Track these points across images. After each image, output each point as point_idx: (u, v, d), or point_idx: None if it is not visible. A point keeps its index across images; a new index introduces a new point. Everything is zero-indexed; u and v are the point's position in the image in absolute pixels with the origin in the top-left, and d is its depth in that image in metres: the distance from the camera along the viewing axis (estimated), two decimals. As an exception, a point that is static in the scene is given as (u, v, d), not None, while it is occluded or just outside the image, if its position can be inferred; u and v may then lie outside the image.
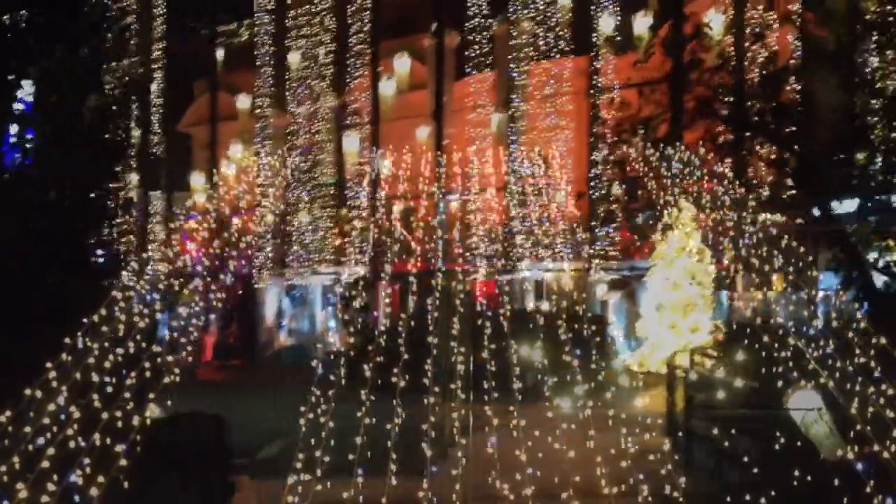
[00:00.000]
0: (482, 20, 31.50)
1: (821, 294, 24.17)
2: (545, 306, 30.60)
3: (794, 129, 23.26)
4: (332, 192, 35.26)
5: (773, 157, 24.37)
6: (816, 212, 22.46)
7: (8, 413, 7.55)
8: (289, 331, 37.99)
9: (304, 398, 22.16)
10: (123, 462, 6.99)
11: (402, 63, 33.75)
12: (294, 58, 35.92)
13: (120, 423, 7.74)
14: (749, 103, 24.09)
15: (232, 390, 26.78)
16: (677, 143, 22.76)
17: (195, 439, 9.35)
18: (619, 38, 28.66)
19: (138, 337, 9.38)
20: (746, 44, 25.29)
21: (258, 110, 37.63)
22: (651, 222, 26.22)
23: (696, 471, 11.62)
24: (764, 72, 24.24)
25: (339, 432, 15.45)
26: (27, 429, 7.60)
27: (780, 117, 22.94)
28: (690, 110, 23.87)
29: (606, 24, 28.98)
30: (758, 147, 24.46)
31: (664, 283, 23.86)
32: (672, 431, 13.10)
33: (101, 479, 7.55)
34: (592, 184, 28.89)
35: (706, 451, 11.35)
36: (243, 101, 38.46)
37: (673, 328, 23.51)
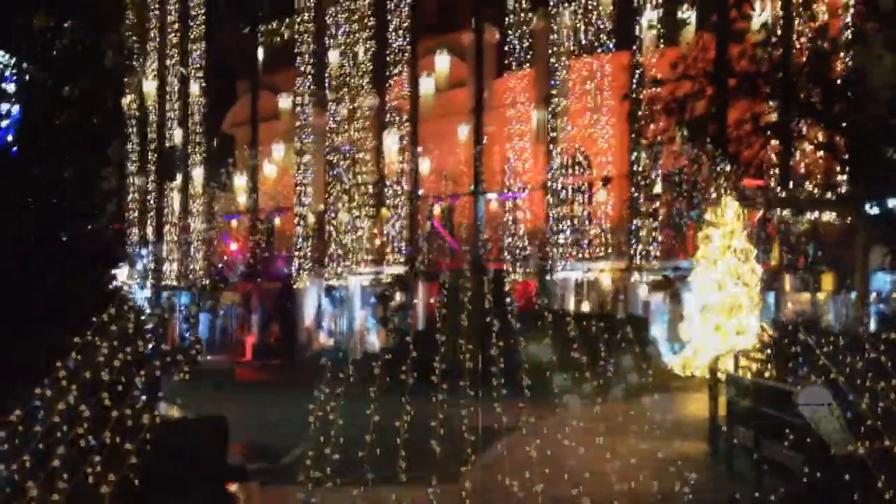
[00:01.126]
0: (522, 15, 31.00)
1: (872, 295, 23.31)
2: (585, 307, 30.05)
3: (844, 107, 21.03)
4: (370, 191, 34.98)
5: (821, 139, 22.73)
6: (869, 207, 21.39)
7: (17, 412, 7.31)
8: (329, 331, 37.85)
9: (336, 399, 21.98)
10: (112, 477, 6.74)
11: (443, 60, 33.39)
12: (333, 56, 35.72)
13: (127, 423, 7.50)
14: (795, 79, 21.90)
15: (267, 390, 26.66)
16: (719, 134, 21.43)
17: (185, 447, 8.99)
18: (661, 31, 27.87)
19: (145, 336, 9.07)
20: (793, 15, 23.57)
21: (297, 109, 37.50)
22: (695, 220, 25.49)
23: (738, 480, 11.04)
24: (813, 45, 22.13)
25: (364, 434, 15.12)
26: (37, 428, 7.35)
27: (830, 95, 21.10)
28: (733, 88, 22.10)
29: (648, 17, 28.28)
30: (805, 129, 22.81)
31: (708, 283, 23.14)
32: (714, 438, 12.51)
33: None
34: (633, 181, 28.18)
35: (749, 459, 10.75)
36: (285, 101, 38.38)
37: (718, 330, 22.79)
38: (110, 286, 8.72)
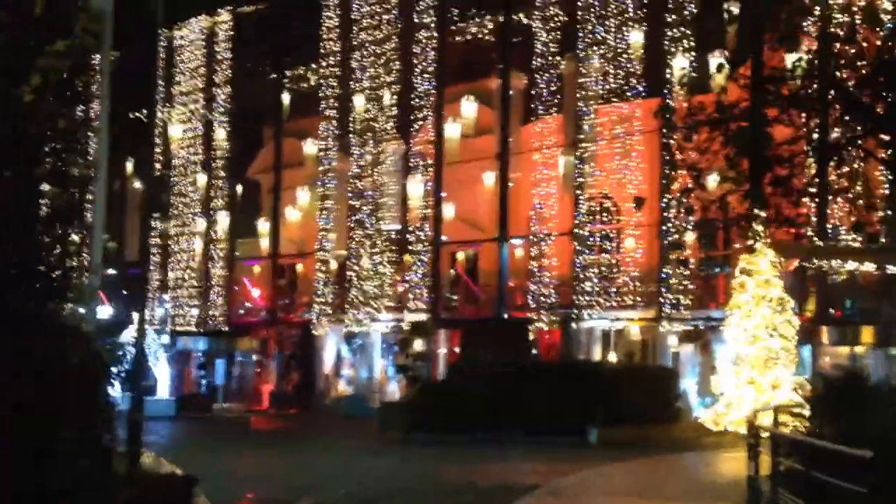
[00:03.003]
0: (549, 59, 30.46)
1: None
2: (612, 357, 28.99)
3: None
4: (393, 236, 34.31)
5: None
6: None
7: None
8: (348, 379, 36.97)
9: (347, 451, 21.11)
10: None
11: (469, 107, 32.82)
12: (358, 100, 35.36)
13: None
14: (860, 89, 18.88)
15: (281, 440, 25.78)
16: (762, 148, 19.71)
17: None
18: (693, 76, 27.11)
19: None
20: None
21: (321, 153, 37.08)
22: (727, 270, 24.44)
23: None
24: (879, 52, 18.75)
25: (374, 494, 14.23)
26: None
27: None
28: (785, 98, 19.88)
29: (679, 63, 27.57)
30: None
31: (742, 334, 22.08)
32: (755, 501, 11.47)
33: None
34: (664, 228, 27.27)
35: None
36: (310, 147, 37.98)
37: (752, 384, 21.67)
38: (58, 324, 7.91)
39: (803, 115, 20.10)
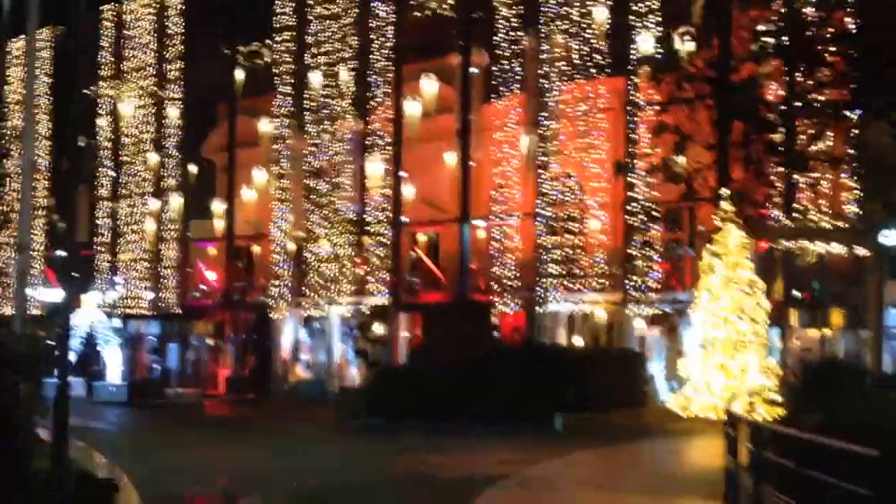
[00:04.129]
0: (511, 35, 29.57)
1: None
2: (578, 341, 28.38)
3: None
4: (352, 217, 33.30)
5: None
6: (884, 238, 19.72)
7: None
8: (306, 363, 36.04)
9: (301, 439, 20.22)
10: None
11: (429, 85, 31.84)
12: (314, 77, 34.21)
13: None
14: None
15: (236, 427, 24.79)
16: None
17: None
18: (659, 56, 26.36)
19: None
20: None
21: (276, 132, 35.91)
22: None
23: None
24: None
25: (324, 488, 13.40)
26: None
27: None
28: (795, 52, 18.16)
29: (644, 39, 26.80)
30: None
31: (710, 317, 21.52)
32: (733, 497, 10.80)
33: None
34: (629, 208, 26.60)
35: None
36: (266, 126, 36.76)
37: (721, 368, 21.13)
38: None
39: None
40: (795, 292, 24.54)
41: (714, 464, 12.81)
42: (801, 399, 11.03)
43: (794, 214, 22.93)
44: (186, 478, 14.27)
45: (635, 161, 26.26)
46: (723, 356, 21.13)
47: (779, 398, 17.78)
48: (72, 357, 34.39)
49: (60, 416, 9.19)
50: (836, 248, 22.70)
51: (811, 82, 18.43)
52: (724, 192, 20.92)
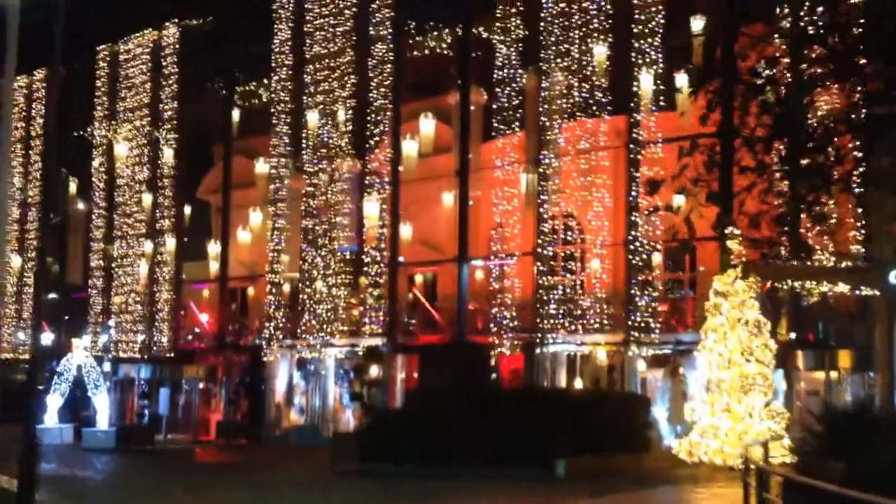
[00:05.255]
0: (511, 74, 29.24)
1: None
2: (578, 383, 27.67)
3: None
4: (348, 258, 32.72)
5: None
6: (893, 277, 19.01)
7: None
8: (300, 408, 35.16)
9: (293, 487, 19.40)
10: None
11: (427, 124, 31.45)
12: (312, 117, 33.86)
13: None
14: None
15: (226, 473, 23.94)
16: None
17: None
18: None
19: None
20: None
21: (273, 172, 35.47)
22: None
23: None
24: None
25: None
26: None
27: None
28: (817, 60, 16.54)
29: (646, 79, 26.45)
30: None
31: (717, 359, 20.88)
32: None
33: None
34: (631, 248, 26.06)
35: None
36: (262, 166, 36.32)
37: (727, 412, 20.45)
38: None
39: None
40: (794, 334, 23.87)
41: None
42: (824, 446, 10.39)
43: (801, 254, 22.34)
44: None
45: (639, 200, 25.78)
46: (729, 399, 20.48)
47: (789, 443, 17.11)
48: (59, 402, 33.69)
49: (28, 464, 8.53)
50: (843, 288, 22.12)
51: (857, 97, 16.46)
52: (733, 231, 20.22)
